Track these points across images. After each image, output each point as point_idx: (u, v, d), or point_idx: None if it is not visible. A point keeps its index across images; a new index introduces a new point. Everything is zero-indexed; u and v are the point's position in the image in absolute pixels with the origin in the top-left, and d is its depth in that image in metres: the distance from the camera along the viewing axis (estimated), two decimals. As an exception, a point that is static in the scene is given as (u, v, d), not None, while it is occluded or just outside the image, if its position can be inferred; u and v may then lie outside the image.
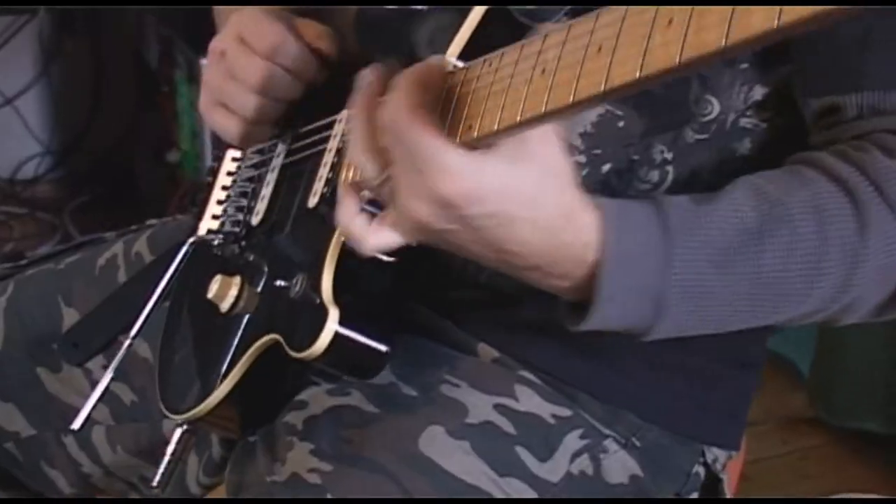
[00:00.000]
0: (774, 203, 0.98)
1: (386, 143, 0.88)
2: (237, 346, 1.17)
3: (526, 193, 0.87)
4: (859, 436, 2.56)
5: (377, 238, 0.96)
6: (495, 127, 0.84)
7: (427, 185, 0.86)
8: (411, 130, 0.85)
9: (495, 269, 0.95)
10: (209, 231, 1.30)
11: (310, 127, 1.22)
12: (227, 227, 1.28)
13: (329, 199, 1.12)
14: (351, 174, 1.05)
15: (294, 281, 1.11)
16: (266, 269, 1.19)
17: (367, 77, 0.93)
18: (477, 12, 1.05)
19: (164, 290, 1.25)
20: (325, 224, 1.11)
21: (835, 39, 1.04)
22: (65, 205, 3.08)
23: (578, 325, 0.97)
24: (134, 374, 1.34)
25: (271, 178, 1.25)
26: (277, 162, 1.25)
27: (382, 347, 1.08)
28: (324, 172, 1.14)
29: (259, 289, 1.19)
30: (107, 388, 1.23)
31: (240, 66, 1.20)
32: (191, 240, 1.27)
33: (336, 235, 1.08)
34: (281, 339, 1.10)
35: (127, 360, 1.28)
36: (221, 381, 1.17)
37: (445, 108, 0.89)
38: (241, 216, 1.27)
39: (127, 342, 1.24)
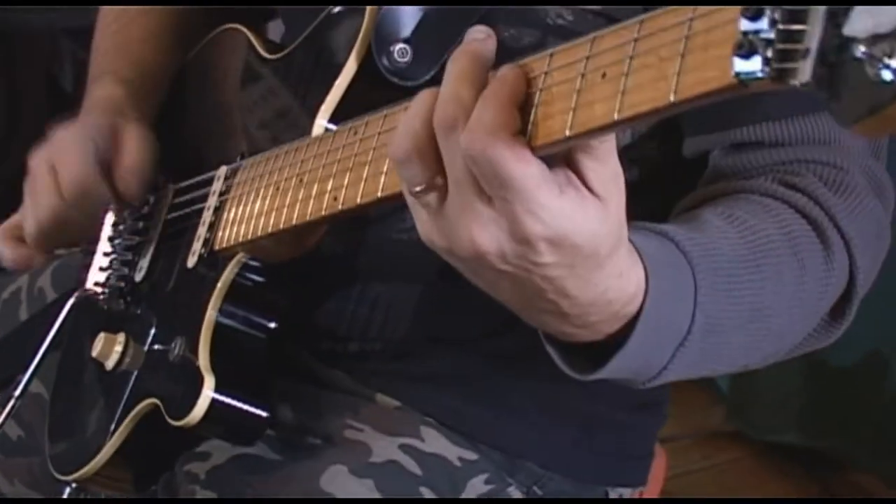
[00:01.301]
0: (754, 231, 0.96)
1: (453, 159, 0.78)
2: (122, 407, 1.16)
3: (603, 250, 0.79)
4: (778, 448, 2.59)
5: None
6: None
7: (511, 221, 0.76)
8: (505, 159, 0.74)
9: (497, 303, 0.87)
10: (96, 283, 1.29)
11: (191, 182, 1.21)
12: (113, 282, 1.27)
13: (206, 260, 1.11)
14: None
15: (173, 345, 1.10)
16: (150, 327, 1.19)
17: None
18: (347, 72, 1.05)
19: (48, 347, 1.25)
20: (203, 285, 1.11)
21: None
22: None
23: (588, 374, 0.89)
24: (22, 409, 1.32)
25: (154, 233, 1.24)
26: (160, 217, 1.24)
27: (261, 413, 1.08)
28: (202, 231, 1.13)
29: (144, 346, 1.18)
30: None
31: (37, 197, 1.24)
32: (75, 294, 1.26)
33: (213, 298, 1.07)
34: (160, 405, 1.09)
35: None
36: (106, 442, 1.16)
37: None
38: (126, 270, 1.26)
39: (11, 402, 1.24)
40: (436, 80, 1.04)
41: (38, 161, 1.26)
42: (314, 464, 1.13)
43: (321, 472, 1.12)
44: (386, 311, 1.16)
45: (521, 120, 0.75)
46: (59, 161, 1.23)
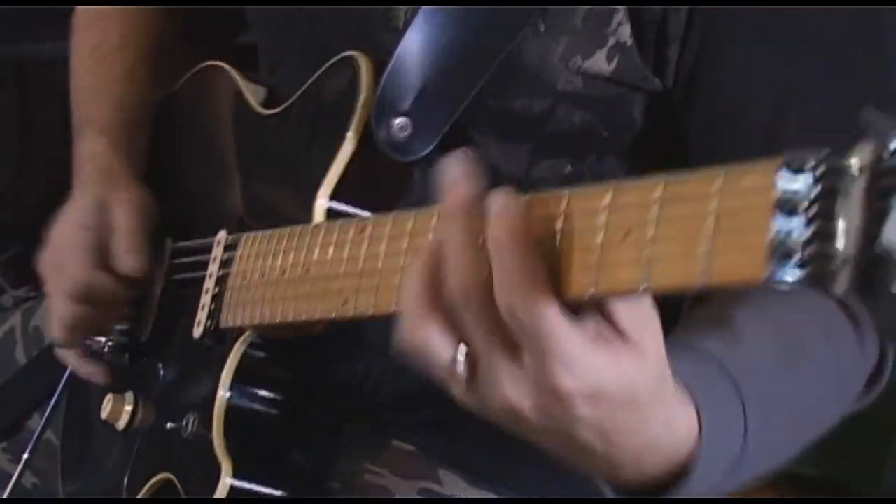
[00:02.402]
0: (787, 325, 0.93)
1: (476, 324, 0.73)
2: (138, 476, 1.15)
3: (643, 398, 0.75)
4: (795, 479, 2.56)
5: None
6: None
7: (544, 377, 0.72)
8: (539, 315, 0.70)
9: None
10: (93, 345, 1.27)
11: (189, 244, 1.19)
12: (116, 337, 1.25)
13: (212, 334, 1.10)
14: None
15: (185, 421, 1.09)
16: (158, 389, 1.18)
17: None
18: (346, 149, 1.02)
19: (55, 403, 1.25)
20: (210, 359, 1.09)
21: (740, 131, 1.02)
22: None
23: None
24: (35, 458, 1.32)
25: (156, 292, 1.22)
26: (161, 276, 1.22)
27: (280, 493, 1.07)
28: (206, 301, 1.11)
29: (154, 407, 1.17)
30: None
31: (53, 301, 1.22)
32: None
33: (223, 378, 1.06)
34: (176, 483, 1.09)
35: (24, 440, 1.29)
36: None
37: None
38: (127, 325, 1.24)
39: (20, 467, 1.24)
40: (435, 154, 1.04)
41: (45, 266, 1.25)
42: None
43: None
44: (396, 364, 1.15)
45: (544, 266, 0.71)
46: (60, 266, 1.22)
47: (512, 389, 0.74)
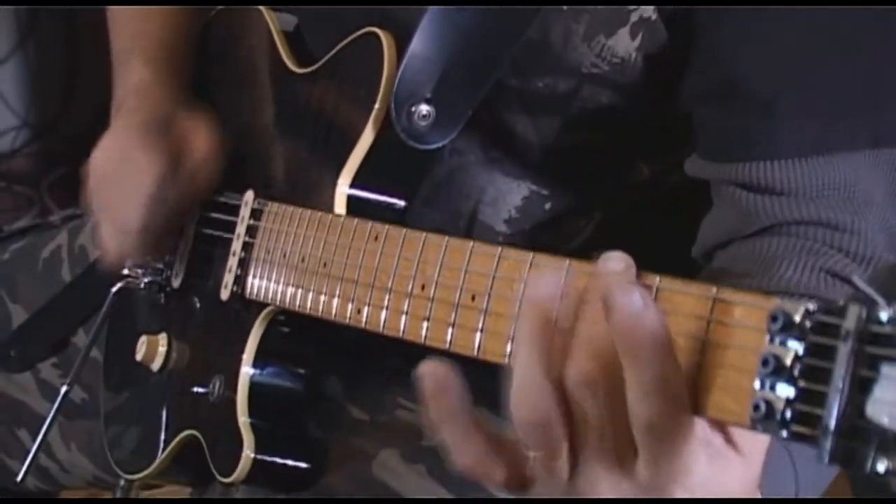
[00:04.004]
0: None
1: (596, 421, 0.66)
2: (169, 426, 1.18)
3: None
4: None
5: None
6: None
7: (655, 489, 0.66)
8: (678, 425, 0.63)
9: None
10: (132, 276, 1.27)
11: (219, 199, 1.18)
12: (150, 276, 1.26)
13: (239, 298, 1.10)
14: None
15: (211, 385, 1.11)
16: (189, 337, 1.19)
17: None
18: (366, 138, 1.00)
19: (94, 339, 1.27)
20: (236, 325, 1.10)
21: (739, 104, 0.98)
22: (42, 179, 3.02)
23: None
24: (83, 374, 1.35)
25: (188, 241, 1.22)
26: (192, 226, 1.22)
27: (302, 465, 1.09)
28: (233, 263, 1.11)
29: (186, 345, 1.19)
30: (47, 433, 1.26)
31: (118, 205, 1.18)
32: (115, 288, 1.26)
33: (247, 352, 1.07)
34: (203, 442, 1.11)
35: (75, 356, 1.31)
36: (158, 455, 1.18)
37: None
38: (161, 266, 1.25)
39: (63, 389, 1.26)
40: (459, 141, 1.02)
41: (102, 166, 1.19)
42: (365, 445, 1.14)
43: (373, 456, 1.12)
44: None
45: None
46: (130, 168, 1.17)
47: (610, 491, 0.68)
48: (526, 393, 0.68)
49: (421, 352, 1.15)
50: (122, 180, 1.17)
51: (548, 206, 1.10)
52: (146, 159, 1.15)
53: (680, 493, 0.65)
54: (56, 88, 3.07)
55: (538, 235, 1.11)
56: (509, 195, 1.10)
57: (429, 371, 0.72)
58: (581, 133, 1.07)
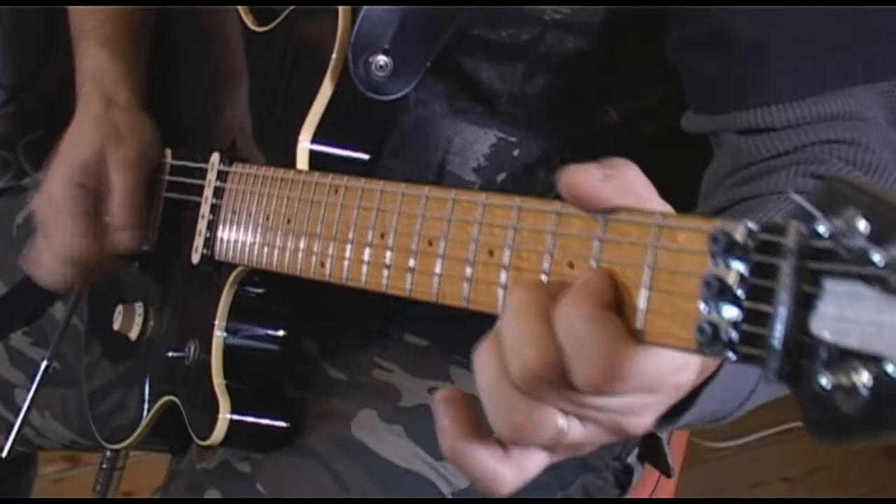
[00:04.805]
0: None
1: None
2: (149, 393, 1.18)
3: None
4: None
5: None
6: None
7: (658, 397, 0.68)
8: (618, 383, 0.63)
9: None
10: None
11: (186, 164, 1.17)
12: None
13: (209, 261, 1.10)
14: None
15: (187, 349, 1.10)
16: (164, 304, 1.19)
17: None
18: (324, 92, 1.00)
19: (72, 310, 1.27)
20: (208, 288, 1.10)
21: (728, 50, 0.97)
22: (17, 141, 3.01)
23: (664, 426, 0.79)
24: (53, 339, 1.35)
25: (157, 207, 1.22)
26: (160, 190, 1.21)
27: (281, 424, 1.09)
28: (202, 226, 1.11)
29: (162, 313, 1.19)
30: (29, 410, 1.26)
31: (45, 258, 1.20)
32: None
33: (219, 315, 1.07)
34: (181, 408, 1.11)
35: (46, 325, 1.32)
36: (140, 422, 1.18)
37: None
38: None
39: (43, 364, 1.26)
40: (424, 92, 1.01)
41: (41, 212, 1.22)
42: (343, 405, 1.14)
43: (351, 416, 1.13)
44: None
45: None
46: (54, 223, 1.20)
47: (635, 421, 0.69)
48: (490, 400, 0.68)
49: (397, 311, 1.17)
50: (52, 233, 1.20)
51: (516, 152, 1.09)
52: (66, 225, 1.18)
53: (670, 380, 0.65)
54: (31, 49, 3.05)
55: (510, 188, 1.11)
56: (477, 144, 1.09)
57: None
58: (546, 78, 1.06)
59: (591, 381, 0.62)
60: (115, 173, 1.18)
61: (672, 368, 0.64)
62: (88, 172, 1.18)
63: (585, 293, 0.63)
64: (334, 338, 1.19)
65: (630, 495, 1.20)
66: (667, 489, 1.34)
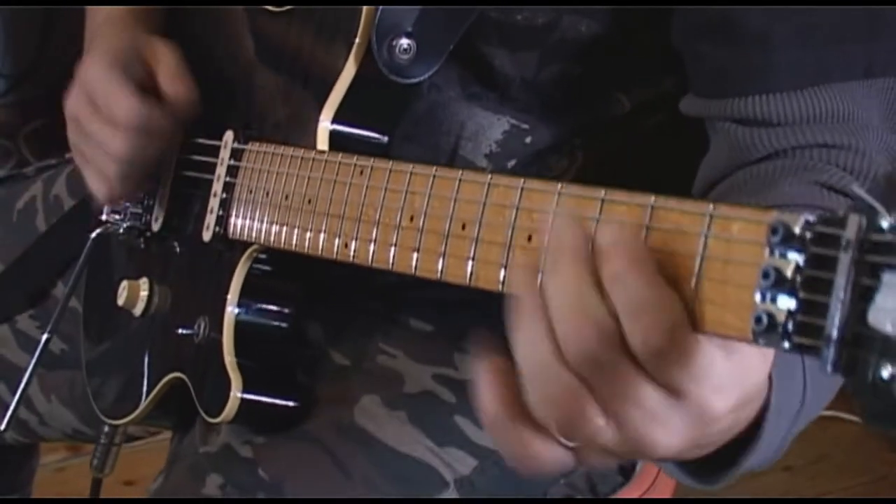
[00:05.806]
0: None
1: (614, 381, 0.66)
2: (153, 369, 1.18)
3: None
4: None
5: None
6: None
7: (700, 407, 0.66)
8: (684, 345, 0.64)
9: None
10: (110, 221, 1.27)
11: (199, 142, 1.17)
12: (129, 221, 1.25)
13: (221, 239, 1.10)
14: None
15: (196, 325, 1.10)
16: (171, 278, 1.19)
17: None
18: (347, 73, 1.00)
19: (73, 286, 1.26)
20: (221, 264, 1.10)
21: (733, 37, 0.98)
22: (19, 130, 2.98)
23: (714, 480, 0.79)
24: (63, 324, 1.34)
25: (167, 184, 1.21)
26: (171, 167, 1.21)
27: (290, 403, 1.09)
28: (214, 204, 1.11)
29: (168, 288, 1.19)
30: (28, 383, 1.25)
31: (101, 138, 1.14)
32: (94, 234, 1.25)
33: (231, 292, 1.07)
34: (189, 385, 1.11)
35: (52, 308, 1.30)
36: (142, 400, 1.18)
37: None
38: (141, 213, 1.24)
39: (44, 337, 1.25)
40: (438, 77, 1.01)
41: (77, 106, 1.16)
42: (347, 391, 1.14)
43: (354, 402, 1.13)
44: None
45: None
46: (99, 98, 1.14)
47: (666, 436, 0.67)
48: (539, 381, 0.68)
49: (402, 297, 1.17)
50: (99, 114, 1.15)
51: (528, 139, 1.10)
52: (121, 91, 1.13)
53: (710, 396, 0.65)
54: (32, 38, 3.03)
55: (521, 174, 1.11)
56: (489, 129, 1.10)
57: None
58: (559, 64, 1.07)
59: (651, 344, 0.62)
60: (157, 44, 1.16)
61: (727, 372, 0.65)
62: (126, 56, 1.15)
63: (645, 260, 0.64)
64: (339, 323, 1.19)
65: (632, 482, 1.21)
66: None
